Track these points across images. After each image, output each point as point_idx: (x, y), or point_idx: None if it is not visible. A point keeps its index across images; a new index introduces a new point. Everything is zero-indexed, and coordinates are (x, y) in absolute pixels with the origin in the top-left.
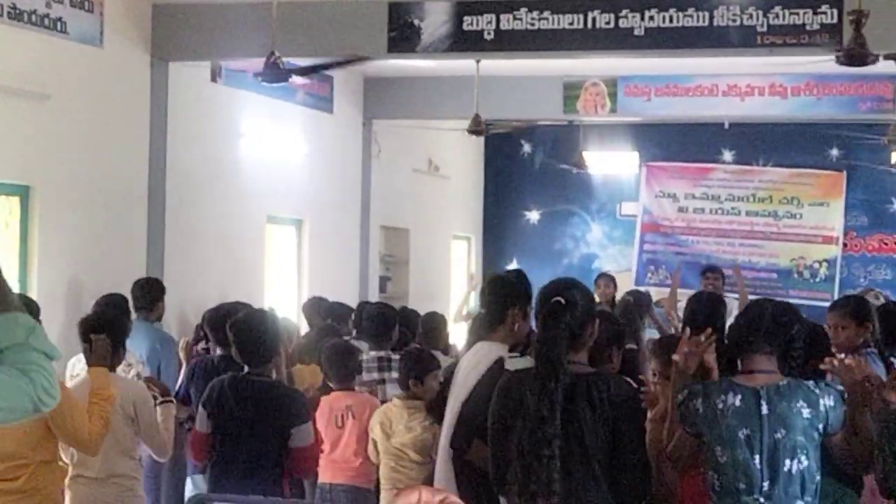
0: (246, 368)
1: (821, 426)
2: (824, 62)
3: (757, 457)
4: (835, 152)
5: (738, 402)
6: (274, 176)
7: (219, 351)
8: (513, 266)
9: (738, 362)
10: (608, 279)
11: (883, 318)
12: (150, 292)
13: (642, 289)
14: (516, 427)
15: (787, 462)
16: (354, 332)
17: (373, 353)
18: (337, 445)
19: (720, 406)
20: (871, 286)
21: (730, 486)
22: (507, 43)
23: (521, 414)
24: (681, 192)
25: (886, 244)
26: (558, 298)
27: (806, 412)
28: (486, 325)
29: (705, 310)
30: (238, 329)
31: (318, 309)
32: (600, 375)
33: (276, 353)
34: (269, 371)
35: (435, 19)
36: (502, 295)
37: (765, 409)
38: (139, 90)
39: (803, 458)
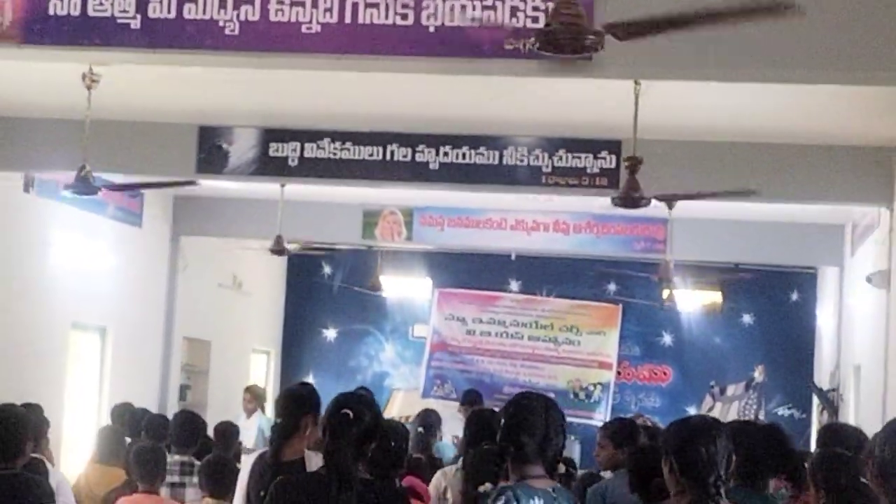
0: None
1: None
2: (603, 203)
3: None
4: (612, 287)
5: None
6: (80, 284)
7: None
8: (310, 379)
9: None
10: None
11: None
12: None
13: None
14: None
15: None
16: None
17: (176, 458)
18: None
19: None
20: (641, 412)
21: None
22: (311, 170)
23: None
24: (469, 316)
25: (656, 374)
26: (346, 411)
27: None
28: (282, 432)
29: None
30: None
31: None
32: (378, 485)
33: (20, 450)
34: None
35: (243, 144)
36: (297, 405)
37: None
38: None
39: None
